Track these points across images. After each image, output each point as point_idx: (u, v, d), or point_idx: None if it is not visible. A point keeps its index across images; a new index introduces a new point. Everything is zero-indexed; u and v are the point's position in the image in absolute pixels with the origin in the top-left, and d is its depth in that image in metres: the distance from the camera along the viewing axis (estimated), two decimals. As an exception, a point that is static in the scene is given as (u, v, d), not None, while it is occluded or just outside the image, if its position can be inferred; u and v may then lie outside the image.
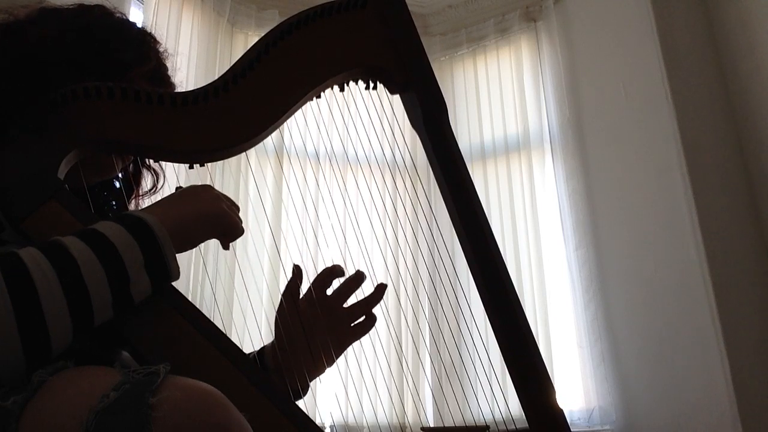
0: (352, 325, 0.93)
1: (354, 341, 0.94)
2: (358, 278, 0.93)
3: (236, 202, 0.81)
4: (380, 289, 0.93)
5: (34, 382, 0.53)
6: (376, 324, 0.94)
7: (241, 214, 0.80)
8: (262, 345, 0.96)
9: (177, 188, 0.78)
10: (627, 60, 2.52)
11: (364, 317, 0.93)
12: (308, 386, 0.90)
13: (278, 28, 0.82)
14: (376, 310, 0.94)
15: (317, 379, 0.94)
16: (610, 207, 2.55)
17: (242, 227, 0.77)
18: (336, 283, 0.94)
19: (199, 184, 0.77)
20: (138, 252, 0.63)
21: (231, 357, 0.67)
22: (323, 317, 0.91)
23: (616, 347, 2.42)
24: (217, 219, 0.74)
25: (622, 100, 2.52)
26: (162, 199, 0.74)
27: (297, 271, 0.93)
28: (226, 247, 0.79)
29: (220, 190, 0.79)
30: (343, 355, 0.94)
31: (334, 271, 0.93)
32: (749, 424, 1.95)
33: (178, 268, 0.67)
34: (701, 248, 2.12)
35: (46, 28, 0.82)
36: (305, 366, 0.89)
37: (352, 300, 0.94)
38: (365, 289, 0.94)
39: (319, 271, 0.94)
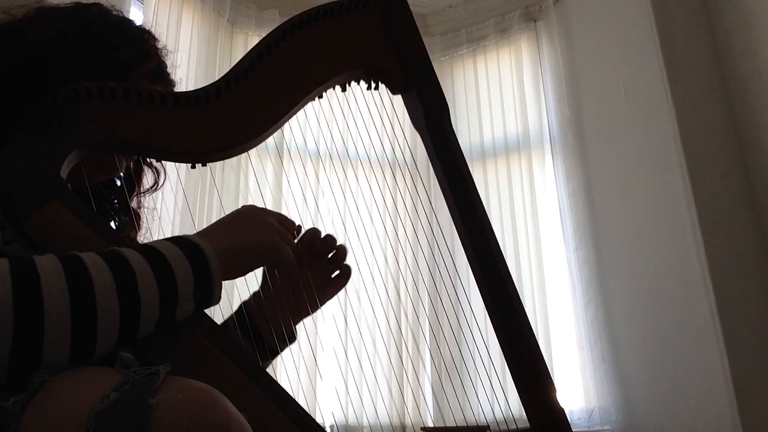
0: (332, 276, 0.95)
1: (335, 291, 0.96)
2: (330, 241, 0.95)
3: (288, 218, 0.84)
4: (331, 241, 0.95)
5: (35, 383, 0.53)
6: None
7: None
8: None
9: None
10: (627, 60, 2.52)
11: (339, 272, 0.96)
12: (295, 333, 0.93)
13: (280, 29, 0.82)
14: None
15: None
16: (610, 207, 2.54)
17: (293, 258, 0.79)
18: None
19: (258, 206, 0.80)
20: (191, 279, 0.64)
21: (231, 354, 0.67)
22: (306, 265, 0.92)
23: (616, 347, 2.42)
24: (268, 251, 0.76)
25: (622, 100, 2.52)
26: (219, 222, 0.76)
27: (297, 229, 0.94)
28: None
29: (266, 207, 0.81)
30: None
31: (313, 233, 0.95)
32: (749, 424, 1.95)
33: (221, 296, 0.69)
34: (701, 248, 2.12)
35: (44, 27, 0.82)
36: (290, 310, 0.91)
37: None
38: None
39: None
